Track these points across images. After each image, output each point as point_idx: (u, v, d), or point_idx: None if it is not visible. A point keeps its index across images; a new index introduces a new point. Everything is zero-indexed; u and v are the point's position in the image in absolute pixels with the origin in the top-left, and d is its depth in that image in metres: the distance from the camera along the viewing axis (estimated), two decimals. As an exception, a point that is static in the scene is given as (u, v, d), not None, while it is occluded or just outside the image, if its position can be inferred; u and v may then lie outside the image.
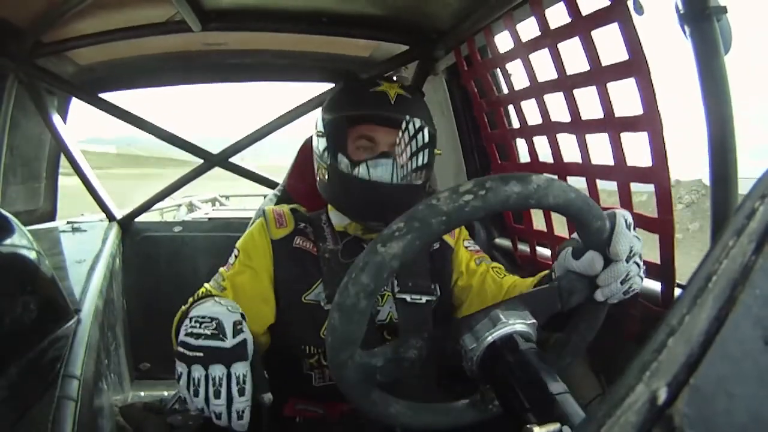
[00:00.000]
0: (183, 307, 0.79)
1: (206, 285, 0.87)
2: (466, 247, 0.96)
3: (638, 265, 0.61)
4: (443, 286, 0.92)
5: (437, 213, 0.45)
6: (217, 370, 0.61)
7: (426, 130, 0.87)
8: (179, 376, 0.62)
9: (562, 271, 0.64)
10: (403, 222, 0.45)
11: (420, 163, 0.87)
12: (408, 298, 0.88)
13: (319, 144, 0.91)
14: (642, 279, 0.63)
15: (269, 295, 0.87)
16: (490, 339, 0.53)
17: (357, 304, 0.48)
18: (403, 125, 0.86)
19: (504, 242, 1.35)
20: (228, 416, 0.60)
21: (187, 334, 0.64)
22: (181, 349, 0.63)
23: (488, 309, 0.56)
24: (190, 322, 0.65)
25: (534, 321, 0.56)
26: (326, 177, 0.90)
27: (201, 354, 0.61)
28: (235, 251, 0.90)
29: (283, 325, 0.88)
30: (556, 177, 0.51)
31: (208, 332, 0.63)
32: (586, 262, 0.60)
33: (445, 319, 0.91)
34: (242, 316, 0.68)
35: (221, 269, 0.89)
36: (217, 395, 0.60)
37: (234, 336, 0.63)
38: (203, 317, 0.65)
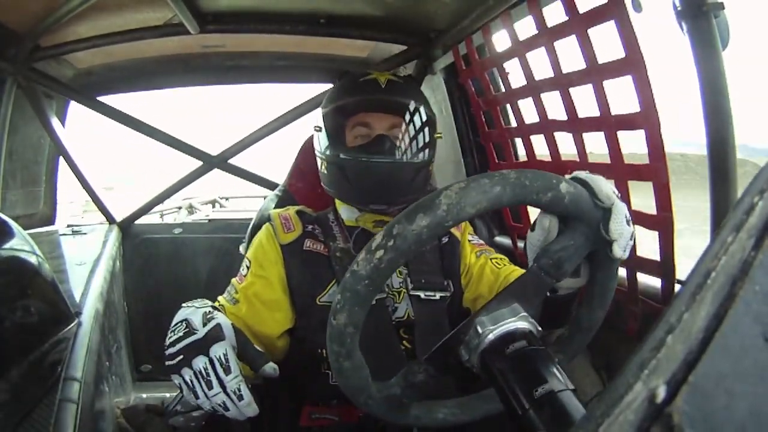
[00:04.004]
0: None
1: (219, 298, 0.87)
2: (470, 241, 0.96)
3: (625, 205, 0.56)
4: (456, 281, 0.92)
5: (360, 279, 0.47)
6: (200, 362, 0.61)
7: (421, 111, 0.89)
8: (180, 388, 0.62)
9: (535, 251, 0.60)
10: (340, 294, 0.49)
11: (416, 141, 0.88)
12: (422, 295, 0.87)
13: (319, 139, 0.93)
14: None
15: (283, 302, 0.87)
16: (480, 348, 0.52)
17: (341, 366, 0.52)
18: (396, 107, 0.88)
19: (504, 240, 1.35)
20: (232, 402, 0.60)
21: (167, 347, 0.64)
22: (167, 363, 0.63)
23: (474, 317, 0.54)
24: (167, 334, 0.66)
25: (524, 313, 0.54)
26: (326, 169, 0.91)
27: (182, 356, 0.62)
28: (246, 262, 0.90)
29: (300, 330, 0.88)
30: (478, 179, 0.47)
31: (181, 334, 0.64)
32: (539, 228, 0.57)
33: (461, 314, 0.90)
34: (213, 307, 0.69)
35: (234, 280, 0.89)
36: (210, 386, 0.60)
37: (204, 325, 0.64)
38: (174, 325, 0.66)
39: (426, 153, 0.90)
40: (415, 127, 0.89)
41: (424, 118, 0.90)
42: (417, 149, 0.89)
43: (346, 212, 0.93)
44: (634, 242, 0.83)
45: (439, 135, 0.92)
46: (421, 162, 0.89)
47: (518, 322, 0.53)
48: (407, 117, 0.89)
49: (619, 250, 0.55)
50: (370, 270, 0.46)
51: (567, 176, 0.54)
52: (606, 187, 0.54)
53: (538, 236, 0.58)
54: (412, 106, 0.89)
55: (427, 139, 0.90)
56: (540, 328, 0.54)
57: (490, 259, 0.92)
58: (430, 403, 0.59)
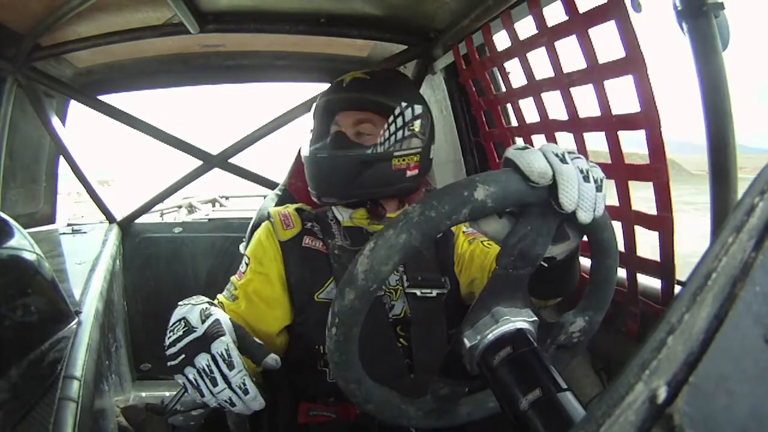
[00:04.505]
0: None
1: (219, 296, 0.87)
2: (464, 232, 0.96)
3: (580, 159, 0.50)
4: (452, 276, 0.91)
5: (332, 352, 0.51)
6: (203, 360, 0.61)
7: (386, 105, 0.89)
8: (184, 387, 0.62)
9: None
10: (330, 363, 0.53)
11: (376, 135, 0.88)
12: (418, 292, 0.87)
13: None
14: (597, 167, 0.51)
15: (283, 299, 0.87)
16: (474, 362, 0.52)
17: (368, 408, 0.55)
18: (356, 103, 0.90)
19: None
20: (238, 397, 0.60)
21: (167, 347, 0.64)
22: (169, 363, 0.63)
23: (460, 331, 0.53)
24: (166, 334, 0.66)
25: (506, 315, 0.51)
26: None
27: (184, 355, 0.62)
28: (246, 259, 0.90)
29: (298, 326, 0.88)
30: (383, 232, 0.45)
31: (181, 333, 0.64)
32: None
33: (460, 309, 0.90)
34: (209, 303, 0.69)
35: (233, 278, 0.89)
36: (215, 382, 0.60)
37: (203, 322, 0.64)
38: (173, 324, 0.66)
39: (399, 147, 0.88)
40: (382, 122, 0.89)
41: (392, 112, 0.89)
42: (383, 143, 0.88)
43: (339, 212, 0.93)
44: (634, 240, 0.83)
45: (414, 127, 0.90)
46: (367, 155, 0.87)
47: (500, 327, 0.51)
48: (371, 112, 0.89)
49: (586, 216, 0.48)
50: (334, 345, 0.50)
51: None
52: (538, 163, 0.46)
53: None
54: (373, 100, 0.89)
55: (400, 134, 0.89)
56: (534, 318, 0.53)
57: (481, 242, 0.91)
58: (478, 396, 0.59)
